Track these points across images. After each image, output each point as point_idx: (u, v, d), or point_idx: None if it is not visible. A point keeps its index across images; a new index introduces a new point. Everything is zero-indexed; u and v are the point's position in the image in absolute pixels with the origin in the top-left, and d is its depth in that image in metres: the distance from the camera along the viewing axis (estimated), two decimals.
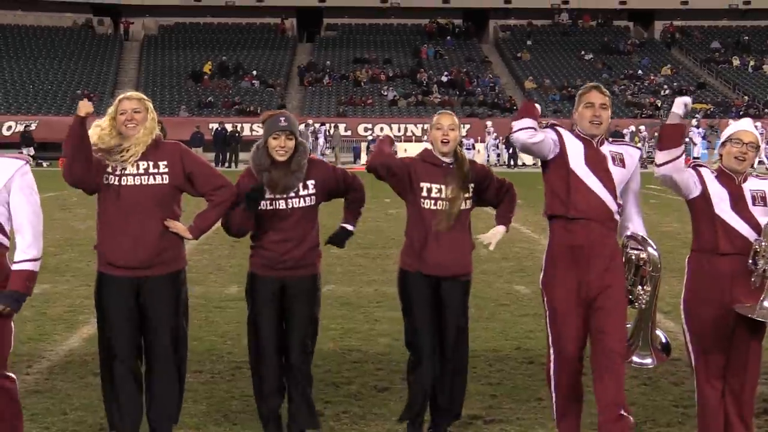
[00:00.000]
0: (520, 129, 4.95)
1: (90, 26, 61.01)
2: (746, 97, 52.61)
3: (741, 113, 48.11)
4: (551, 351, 5.08)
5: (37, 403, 6.09)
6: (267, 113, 5.38)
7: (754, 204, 4.88)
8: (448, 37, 60.87)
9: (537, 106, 5.12)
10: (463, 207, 5.39)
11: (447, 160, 5.42)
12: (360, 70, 55.34)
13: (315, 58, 57.76)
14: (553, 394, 5.13)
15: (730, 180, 4.92)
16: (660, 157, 4.86)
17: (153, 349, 5.15)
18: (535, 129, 4.95)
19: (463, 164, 5.40)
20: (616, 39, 60.85)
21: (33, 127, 43.21)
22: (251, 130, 46.55)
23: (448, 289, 5.40)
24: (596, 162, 4.98)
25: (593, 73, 55.53)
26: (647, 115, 48.96)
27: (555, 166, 5.02)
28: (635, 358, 5.09)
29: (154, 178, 5.02)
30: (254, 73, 54.56)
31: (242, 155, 41.66)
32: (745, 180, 4.94)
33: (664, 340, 5.15)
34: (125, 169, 5.01)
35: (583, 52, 58.50)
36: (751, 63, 57.39)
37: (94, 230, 14.16)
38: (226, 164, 39.33)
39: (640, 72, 55.61)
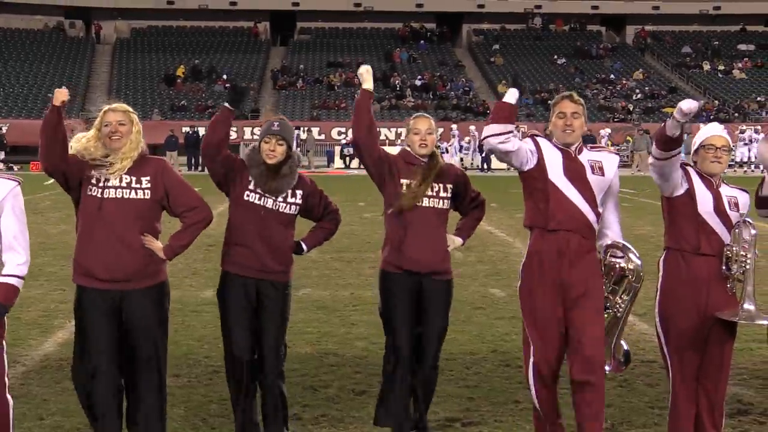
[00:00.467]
0: (490, 135, 4.86)
1: (61, 29, 60.62)
2: (717, 102, 53.06)
3: (711, 117, 48.54)
4: (531, 358, 5.06)
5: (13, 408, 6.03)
6: (266, 117, 5.41)
7: (730, 209, 4.95)
8: (422, 41, 60.99)
9: (511, 104, 4.92)
10: (440, 206, 5.44)
11: (425, 159, 5.47)
12: (333, 74, 55.34)
13: (288, 62, 57.71)
14: (535, 398, 5.13)
15: (708, 183, 4.98)
16: (658, 153, 4.83)
17: (135, 363, 5.09)
18: (506, 134, 4.87)
19: (436, 161, 5.46)
20: (588, 43, 61.22)
21: (4, 130, 42.83)
22: None
23: (429, 289, 5.43)
24: (575, 172, 4.99)
25: (566, 77, 55.83)
26: (619, 119, 49.29)
27: (533, 177, 5.02)
28: None
29: (137, 193, 4.99)
30: (227, 76, 54.42)
31: None
32: (719, 185, 5.01)
33: (625, 348, 5.16)
34: (108, 181, 4.97)
35: (555, 57, 58.79)
36: (721, 68, 57.92)
37: (67, 234, 14.01)
38: (198, 168, 39.19)
39: (612, 76, 55.96)
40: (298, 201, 5.39)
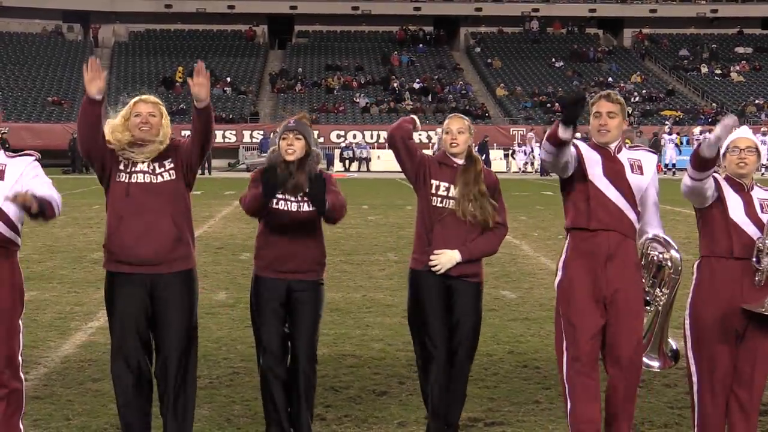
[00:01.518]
0: (544, 152, 4.95)
1: (60, 33, 60.65)
2: (714, 105, 53.22)
3: (710, 120, 48.70)
4: (565, 354, 5.02)
5: (39, 409, 6.10)
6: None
7: (762, 211, 4.95)
8: (420, 45, 61.11)
9: (563, 131, 4.75)
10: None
11: (459, 161, 5.50)
12: (332, 77, 55.43)
13: (287, 65, 57.79)
14: (568, 400, 5.02)
15: (740, 187, 4.99)
16: (694, 174, 4.84)
17: (165, 349, 5.14)
18: (553, 153, 4.87)
19: (474, 164, 5.47)
20: (585, 46, 61.36)
21: (6, 131, 42.84)
22: (223, 137, 46.55)
23: (458, 291, 5.44)
24: (615, 172, 5.02)
25: (564, 80, 55.97)
26: None
27: (574, 179, 5.04)
28: (643, 359, 5.11)
29: (162, 176, 5.07)
30: (226, 80, 54.49)
31: (215, 162, 41.64)
32: (752, 188, 5.02)
33: (674, 347, 5.18)
34: (135, 165, 5.05)
35: (553, 60, 58.95)
36: (718, 71, 58.09)
37: (74, 237, 14.12)
38: (199, 171, 39.21)
39: (610, 79, 56.11)
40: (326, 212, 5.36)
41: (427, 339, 5.45)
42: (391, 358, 7.59)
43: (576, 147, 5.03)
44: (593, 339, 4.98)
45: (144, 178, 5.06)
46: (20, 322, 4.92)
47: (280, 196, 5.33)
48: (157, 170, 5.08)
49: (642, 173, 5.09)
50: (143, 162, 5.06)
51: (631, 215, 5.04)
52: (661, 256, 5.07)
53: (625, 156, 5.11)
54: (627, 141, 37.42)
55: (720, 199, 4.96)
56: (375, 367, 7.32)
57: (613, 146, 5.10)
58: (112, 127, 5.10)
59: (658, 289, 5.06)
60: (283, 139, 5.34)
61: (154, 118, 5.09)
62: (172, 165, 5.12)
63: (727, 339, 4.94)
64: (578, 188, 5.04)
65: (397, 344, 7.97)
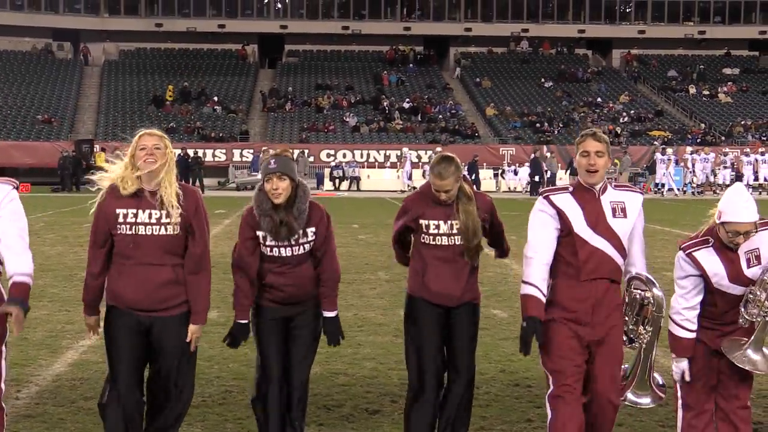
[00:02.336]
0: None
1: (50, 51, 60.67)
2: (703, 125, 53.51)
3: (698, 141, 48.96)
4: (551, 384, 5.03)
5: (31, 427, 6.09)
6: (266, 154, 5.44)
7: (748, 267, 4.89)
8: (410, 64, 61.33)
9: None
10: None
11: (445, 197, 5.38)
12: (322, 97, 55.57)
13: (277, 84, 57.92)
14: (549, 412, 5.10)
15: (726, 252, 4.89)
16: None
17: (159, 384, 5.16)
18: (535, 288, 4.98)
19: (470, 203, 5.37)
20: (575, 67, 61.68)
21: None
22: (213, 156, 46.56)
23: (456, 314, 5.45)
24: (596, 220, 4.95)
25: (553, 100, 56.25)
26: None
27: (560, 234, 5.00)
28: (630, 396, 5.11)
29: (166, 229, 4.96)
30: (216, 98, 54.57)
31: (205, 181, 41.62)
32: (738, 247, 4.89)
33: (660, 382, 5.18)
34: (137, 216, 4.96)
35: (542, 80, 59.23)
36: (706, 92, 58.45)
37: (65, 256, 14.04)
38: None
39: (599, 99, 56.38)
40: (311, 239, 5.35)
41: (421, 365, 5.44)
42: (383, 376, 7.60)
43: (553, 204, 4.99)
44: (576, 381, 4.98)
45: (146, 230, 4.97)
46: (3, 347, 4.89)
47: (272, 243, 5.30)
48: (163, 220, 4.96)
49: (625, 216, 5.01)
50: (144, 211, 4.98)
51: (618, 260, 5.00)
52: (643, 294, 5.03)
53: (608, 198, 5.03)
54: (616, 161, 37.39)
55: (703, 277, 4.94)
56: (367, 386, 7.32)
57: (598, 187, 5.03)
58: (124, 175, 5.00)
59: (641, 327, 5.03)
60: (267, 182, 5.21)
61: (159, 150, 4.98)
62: (179, 219, 4.97)
63: (710, 366, 5.03)
64: (564, 242, 4.98)
65: (389, 363, 7.98)
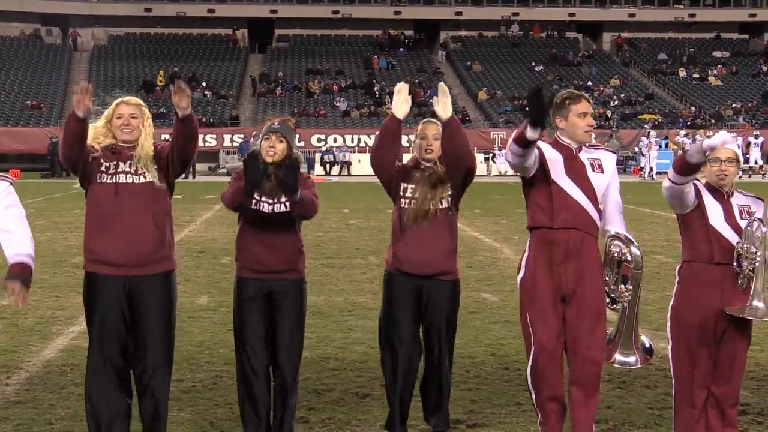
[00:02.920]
0: (510, 154, 5.00)
1: (38, 36, 60.35)
2: (693, 108, 53.57)
3: (689, 124, 49.03)
4: (532, 350, 5.14)
5: (21, 413, 6.09)
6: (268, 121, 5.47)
7: (741, 218, 5.03)
8: (400, 48, 61.20)
9: (531, 132, 4.80)
10: (440, 206, 5.46)
11: (430, 164, 5.53)
12: (312, 81, 55.43)
13: (267, 69, 57.74)
14: (533, 395, 5.21)
15: (719, 194, 5.07)
16: (676, 178, 4.95)
17: (144, 350, 5.16)
18: (520, 155, 4.94)
19: (439, 166, 5.48)
20: (565, 50, 61.62)
21: None
22: (204, 141, 46.44)
23: (431, 289, 5.48)
24: (576, 171, 5.09)
25: (544, 84, 56.17)
26: (597, 125, 49.57)
27: (537, 179, 5.12)
28: (618, 356, 5.16)
29: (146, 177, 5.09)
30: (206, 84, 54.39)
31: (196, 167, 41.51)
32: (731, 195, 5.10)
33: (647, 344, 5.23)
34: (118, 167, 5.06)
35: (533, 64, 59.17)
36: (696, 75, 58.49)
37: (54, 242, 14.04)
38: (182, 175, 39.10)
39: (590, 83, 56.37)
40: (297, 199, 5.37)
41: (395, 337, 5.51)
42: (373, 360, 7.60)
43: (538, 147, 5.09)
44: (556, 337, 5.09)
45: (127, 179, 5.07)
46: None
47: (257, 197, 5.34)
48: (139, 170, 5.09)
49: (602, 172, 5.16)
50: (125, 162, 5.07)
51: (594, 214, 5.10)
52: (621, 251, 5.10)
53: (585, 156, 5.18)
54: (606, 144, 37.50)
55: (700, 206, 5.04)
56: (357, 370, 7.34)
57: (575, 145, 5.17)
58: (95, 131, 5.12)
59: (621, 286, 5.09)
60: (266, 140, 5.34)
61: (135, 119, 5.10)
62: (155, 165, 5.13)
63: (708, 341, 5.05)
64: (541, 187, 5.11)
65: (378, 347, 7.98)
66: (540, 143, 5.12)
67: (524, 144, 4.83)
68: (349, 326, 8.95)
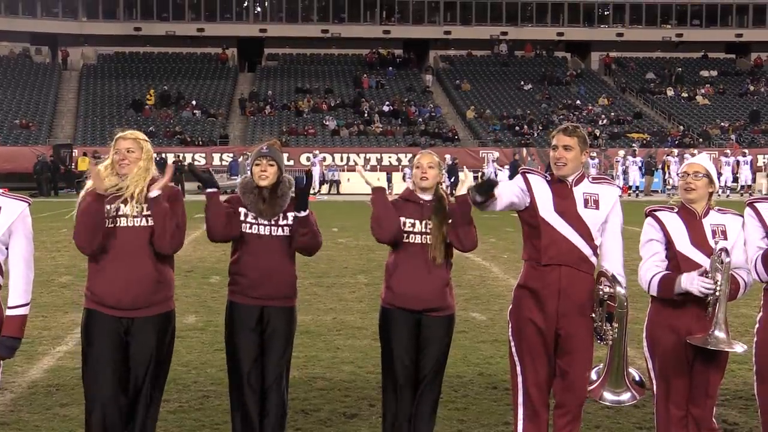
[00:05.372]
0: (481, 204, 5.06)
1: (28, 55, 60.30)
2: (681, 127, 53.79)
3: (677, 142, 49.21)
4: (519, 384, 5.15)
5: None
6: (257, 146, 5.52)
7: (713, 237, 4.95)
8: (389, 68, 61.37)
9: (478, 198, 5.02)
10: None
11: (425, 197, 5.51)
12: (302, 100, 55.50)
13: (256, 88, 57.79)
14: (520, 425, 5.20)
15: (691, 216, 5.02)
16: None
17: (135, 381, 5.12)
18: (486, 201, 5.02)
19: (442, 201, 5.49)
20: (553, 69, 61.88)
21: None
22: (193, 159, 46.36)
23: (428, 324, 5.46)
24: (566, 208, 5.06)
25: (533, 103, 56.38)
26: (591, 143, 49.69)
27: (527, 214, 5.13)
28: (608, 395, 5.11)
29: (147, 221, 5.03)
30: (195, 102, 54.41)
31: (186, 185, 41.43)
32: (705, 215, 5.03)
33: (637, 378, 5.18)
34: (119, 210, 5.02)
35: (522, 83, 59.38)
36: (684, 94, 58.79)
37: (42, 261, 13.92)
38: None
39: (578, 102, 56.58)
40: (290, 222, 5.41)
41: (394, 373, 5.48)
42: (361, 380, 7.59)
43: (527, 182, 5.08)
44: (543, 378, 5.12)
45: (129, 222, 5.02)
46: None
47: (252, 220, 5.37)
48: (145, 212, 5.03)
49: (597, 208, 5.10)
50: (127, 206, 5.02)
51: (586, 250, 5.05)
52: (605, 291, 5.04)
53: (581, 190, 5.13)
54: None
55: (665, 236, 5.00)
56: (345, 390, 7.31)
57: (570, 179, 5.13)
58: (103, 171, 5.07)
59: (608, 324, 5.04)
60: (257, 165, 5.39)
61: (132, 154, 5.06)
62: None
63: (680, 363, 5.04)
64: (531, 223, 5.11)
65: (367, 366, 7.98)
66: (531, 177, 5.15)
67: (478, 206, 5.00)
68: (337, 345, 8.92)
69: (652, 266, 5.01)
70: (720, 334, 4.82)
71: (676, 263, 4.97)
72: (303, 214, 5.33)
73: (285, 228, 5.41)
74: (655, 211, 5.11)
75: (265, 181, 5.37)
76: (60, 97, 55.44)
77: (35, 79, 56.56)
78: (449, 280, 5.52)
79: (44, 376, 7.65)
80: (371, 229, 5.48)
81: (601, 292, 5.06)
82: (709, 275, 4.86)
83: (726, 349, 4.92)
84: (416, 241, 5.43)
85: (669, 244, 5.00)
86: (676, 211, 5.07)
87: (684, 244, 4.97)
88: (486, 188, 4.98)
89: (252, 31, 62.37)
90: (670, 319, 5.00)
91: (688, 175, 5.03)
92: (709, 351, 4.94)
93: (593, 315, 5.10)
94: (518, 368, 5.16)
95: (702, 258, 4.93)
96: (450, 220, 5.38)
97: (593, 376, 5.15)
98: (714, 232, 4.98)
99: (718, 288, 4.81)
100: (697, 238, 4.97)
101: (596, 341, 5.13)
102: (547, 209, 5.06)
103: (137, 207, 5.02)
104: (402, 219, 5.45)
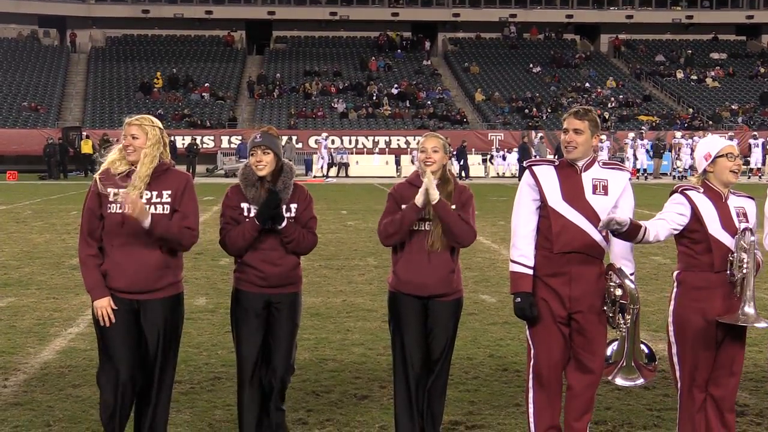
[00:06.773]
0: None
1: (36, 38, 60.35)
2: (690, 110, 53.62)
3: (686, 125, 49.07)
4: (531, 363, 5.16)
5: (19, 415, 6.08)
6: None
7: (738, 219, 4.98)
8: (398, 50, 61.24)
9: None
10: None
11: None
12: (310, 83, 55.45)
13: (265, 71, 57.76)
14: (531, 407, 5.20)
15: (717, 198, 5.02)
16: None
17: (147, 368, 5.14)
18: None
19: (447, 185, 5.43)
20: (563, 52, 61.67)
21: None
22: (202, 142, 46.47)
23: (434, 309, 5.45)
24: (573, 194, 5.02)
25: (542, 85, 56.26)
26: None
27: (539, 205, 5.09)
28: (620, 381, 5.11)
29: (156, 208, 5.00)
30: (204, 85, 54.40)
31: (199, 168, 41.51)
32: (727, 197, 5.06)
33: (647, 351, 5.16)
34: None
35: (531, 65, 59.23)
36: (694, 77, 58.55)
37: (52, 243, 14.00)
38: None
39: (587, 84, 56.41)
40: (293, 214, 5.38)
41: (404, 357, 5.47)
42: (371, 362, 7.61)
43: (534, 175, 5.06)
44: (556, 360, 5.10)
45: None
46: None
47: (255, 212, 5.34)
48: (153, 200, 5.01)
49: (606, 194, 5.06)
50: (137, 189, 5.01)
51: (596, 236, 5.02)
52: (617, 292, 5.02)
53: (591, 175, 5.09)
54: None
55: (696, 216, 4.99)
56: (356, 371, 7.33)
57: (581, 163, 5.09)
58: (114, 160, 5.08)
59: (620, 316, 5.03)
60: (252, 155, 5.32)
61: (136, 140, 5.02)
62: (169, 199, 5.05)
63: (709, 345, 5.03)
64: (542, 214, 5.08)
65: (377, 348, 7.99)
66: (537, 169, 5.10)
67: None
68: (347, 328, 8.94)
69: (666, 225, 5.01)
70: (750, 310, 4.86)
71: (707, 245, 4.96)
72: (280, 227, 5.29)
73: (287, 220, 5.35)
74: (686, 189, 5.06)
75: (263, 170, 5.29)
76: (68, 79, 55.49)
77: (44, 61, 56.62)
78: (454, 265, 5.46)
79: (56, 357, 7.68)
80: (378, 232, 5.44)
81: (611, 288, 5.04)
82: (734, 255, 4.88)
83: (756, 325, 4.93)
84: (422, 228, 5.38)
85: (700, 226, 4.98)
86: (702, 191, 5.04)
87: (716, 228, 4.96)
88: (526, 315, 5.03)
89: (260, 13, 62.32)
90: (698, 302, 4.99)
91: (735, 157, 5.03)
92: (736, 328, 4.97)
93: (605, 308, 5.10)
94: (532, 351, 5.16)
95: (729, 240, 4.95)
96: (454, 206, 5.36)
97: (607, 352, 5.15)
98: (738, 215, 5.01)
99: (745, 266, 4.85)
100: (726, 222, 4.98)
101: (610, 324, 5.14)
102: (555, 199, 5.03)
103: (147, 194, 4.99)
104: (404, 207, 5.38)
